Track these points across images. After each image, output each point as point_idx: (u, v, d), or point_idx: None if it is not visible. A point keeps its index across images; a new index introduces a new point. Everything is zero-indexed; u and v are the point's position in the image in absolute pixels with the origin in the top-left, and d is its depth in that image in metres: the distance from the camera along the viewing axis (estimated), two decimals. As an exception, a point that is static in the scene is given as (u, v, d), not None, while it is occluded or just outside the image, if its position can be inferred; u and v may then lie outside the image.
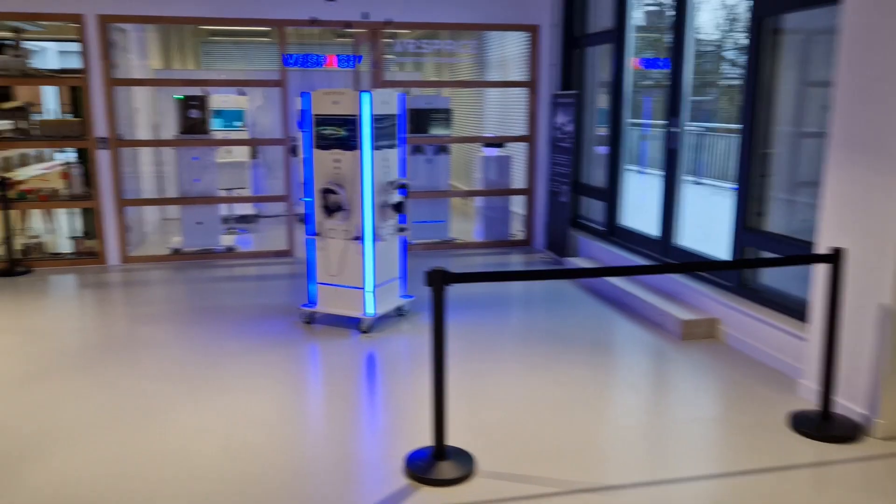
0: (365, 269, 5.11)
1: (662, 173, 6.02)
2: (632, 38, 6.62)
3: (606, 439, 3.65)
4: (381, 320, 5.37)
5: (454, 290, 6.22)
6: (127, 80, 7.51)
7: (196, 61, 14.89)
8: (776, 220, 4.92)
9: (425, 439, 3.56)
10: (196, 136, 7.44)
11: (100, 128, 7.01)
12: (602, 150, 7.60)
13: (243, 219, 9.74)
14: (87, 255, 7.32)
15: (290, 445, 3.57)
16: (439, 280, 3.03)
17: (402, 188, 5.22)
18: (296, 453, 3.50)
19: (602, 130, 7.57)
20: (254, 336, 5.14)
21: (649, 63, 7.40)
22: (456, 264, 7.35)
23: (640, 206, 7.06)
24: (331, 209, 5.05)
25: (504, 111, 10.30)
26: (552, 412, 3.94)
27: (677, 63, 5.76)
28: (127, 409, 3.96)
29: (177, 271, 7.03)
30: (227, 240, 7.87)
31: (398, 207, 5.19)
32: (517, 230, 8.49)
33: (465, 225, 8.89)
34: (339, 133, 5.02)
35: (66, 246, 7.94)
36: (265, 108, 9.92)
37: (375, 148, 5.03)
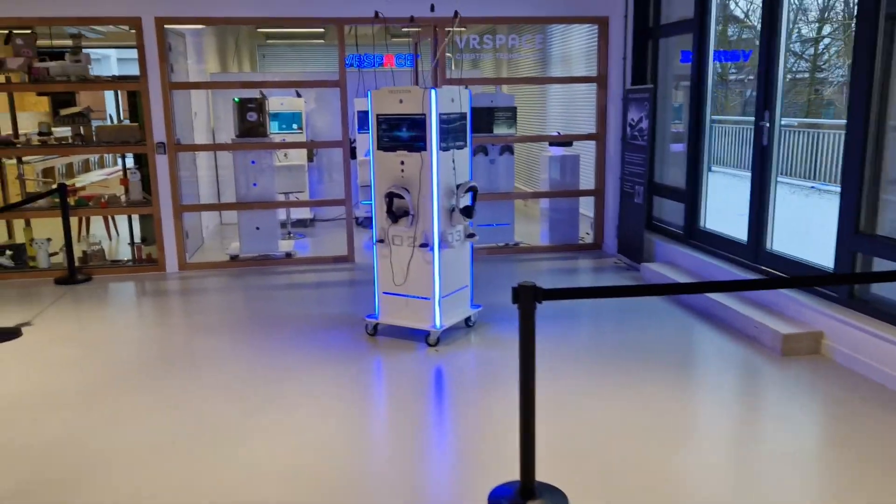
0: (433, 278, 4.79)
1: (742, 172, 5.53)
2: (713, 28, 6.15)
3: (706, 475, 3.23)
4: (449, 332, 5.04)
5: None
6: (184, 84, 7.37)
7: (252, 65, 14.85)
8: (891, 224, 4.40)
9: (508, 472, 3.21)
10: (254, 139, 7.25)
11: (158, 133, 6.87)
12: (677, 147, 7.13)
13: (301, 223, 9.56)
14: (145, 262, 7.20)
15: (357, 476, 3.26)
16: (529, 297, 2.67)
17: (472, 191, 4.88)
18: (363, 485, 3.18)
19: (677, 127, 7.09)
20: (316, 349, 4.86)
21: (727, 56, 6.90)
22: (523, 270, 6.97)
23: (723, 208, 6.56)
24: (396, 214, 4.74)
25: (568, 108, 9.87)
26: (646, 442, 3.54)
27: (770, 52, 5.27)
28: (188, 430, 3.71)
29: (235, 278, 6.84)
30: (285, 245, 7.66)
31: (467, 212, 4.85)
32: (585, 233, 8.06)
33: (530, 228, 8.50)
34: (404, 133, 4.71)
35: (125, 252, 7.86)
36: (320, 110, 9.71)
37: (443, 149, 4.71)
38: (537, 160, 10.52)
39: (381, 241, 4.90)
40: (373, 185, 4.90)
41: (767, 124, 5.31)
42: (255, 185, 7.33)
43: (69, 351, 4.93)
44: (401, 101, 4.69)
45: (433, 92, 4.58)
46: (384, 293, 5.00)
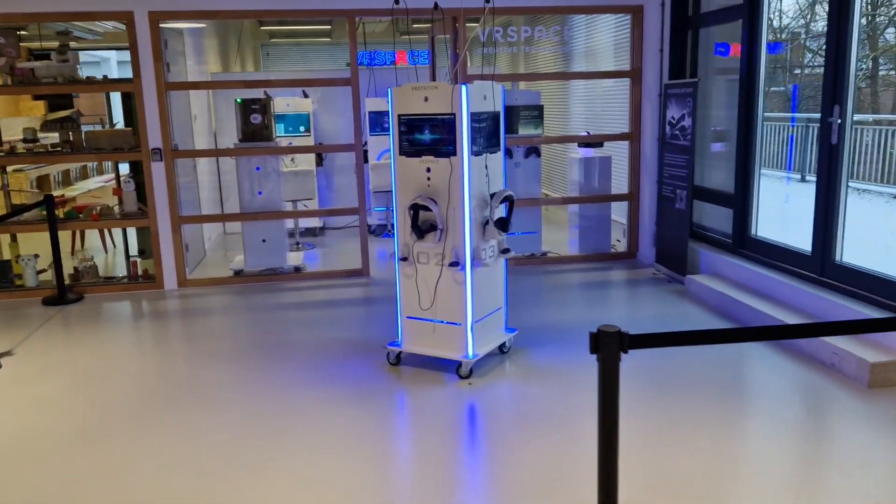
0: (465, 301, 4.19)
1: (781, 173, 4.91)
2: (766, 13, 5.54)
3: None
4: (482, 360, 4.44)
5: (549, 315, 5.25)
6: (181, 84, 6.79)
7: (256, 65, 14.28)
8: None
9: (576, 554, 2.61)
10: (258, 143, 6.67)
11: (153, 138, 6.29)
12: (716, 147, 6.52)
13: (310, 232, 8.97)
14: (142, 278, 6.62)
15: (392, 557, 2.67)
16: (613, 346, 2.07)
17: (507, 201, 4.28)
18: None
19: (719, 125, 6.48)
20: (332, 382, 4.27)
21: (770, 47, 6.29)
22: (553, 284, 6.37)
23: (770, 213, 5.95)
24: (422, 229, 4.14)
25: (593, 106, 9.26)
26: (725, 493, 2.94)
27: (839, 39, 4.66)
28: (190, 482, 3.12)
29: (239, 296, 6.25)
30: (293, 258, 7.07)
31: (502, 225, 4.25)
32: (616, 240, 7.45)
33: (558, 236, 7.90)
34: (430, 136, 4.11)
35: (121, 267, 7.29)
36: (328, 111, 9.12)
37: (475, 153, 4.11)
38: (563, 162, 9.93)
39: (405, 258, 4.31)
40: (394, 196, 4.30)
41: (838, 121, 4.70)
42: (260, 193, 6.75)
43: (53, 387, 4.35)
44: (426, 100, 4.09)
45: (464, 88, 3.99)
46: (408, 318, 4.40)
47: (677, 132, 6.26)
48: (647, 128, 6.83)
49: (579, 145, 7.35)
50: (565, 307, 5.69)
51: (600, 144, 7.29)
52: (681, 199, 6.24)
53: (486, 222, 4.22)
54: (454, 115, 4.02)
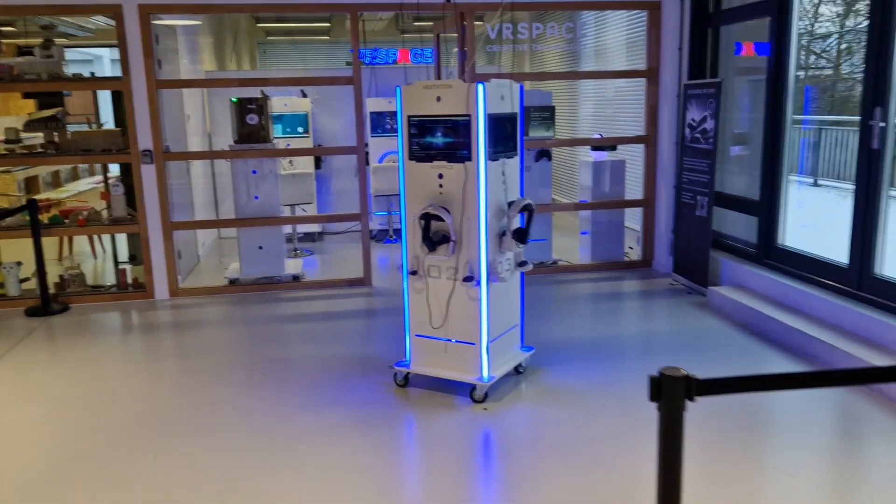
0: (480, 319, 3.84)
1: (805, 178, 4.57)
2: (797, 8, 5.21)
3: None
4: (498, 382, 4.09)
5: (565, 329, 4.91)
6: (173, 83, 6.43)
7: (252, 63, 13.92)
8: None
9: None
10: (255, 145, 6.31)
11: (143, 139, 5.93)
12: (735, 150, 6.20)
13: (308, 237, 8.62)
14: (131, 287, 6.26)
15: None
16: (678, 393, 1.73)
17: (526, 211, 3.93)
18: None
19: (738, 128, 6.16)
20: (334, 406, 3.92)
21: (759, 48, 5.99)
22: (565, 294, 6.04)
23: (795, 220, 5.62)
24: (433, 241, 3.80)
25: (604, 107, 8.93)
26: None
27: (882, 36, 4.34)
28: (167, 541, 2.78)
29: (234, 306, 5.90)
30: (292, 266, 6.72)
31: (520, 236, 3.90)
32: (629, 247, 7.12)
33: (568, 243, 7.56)
34: (443, 139, 3.77)
35: (110, 275, 6.93)
36: (326, 111, 8.77)
37: (492, 158, 3.77)
38: (572, 166, 9.60)
39: (414, 272, 3.96)
40: (402, 204, 3.95)
41: (880, 124, 4.37)
42: (256, 197, 6.39)
43: (32, 411, 4.00)
44: (438, 100, 3.75)
45: (480, 88, 3.65)
46: (418, 336, 4.06)
47: (698, 135, 5.92)
48: (664, 130, 6.49)
49: (592, 148, 7.01)
50: (581, 320, 5.35)
51: (613, 148, 6.96)
52: (702, 206, 5.90)
53: (503, 233, 3.88)
54: (469, 116, 3.67)
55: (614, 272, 6.73)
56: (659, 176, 6.62)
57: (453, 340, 3.94)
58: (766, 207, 5.50)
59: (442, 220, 3.76)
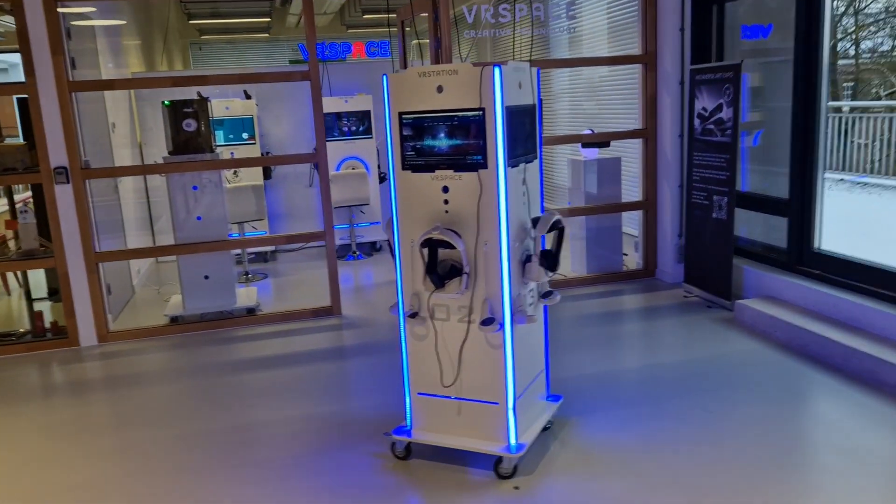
0: (505, 372, 2.98)
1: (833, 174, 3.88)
2: (827, -23, 4.51)
3: None
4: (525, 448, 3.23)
5: (584, 362, 4.07)
6: (91, 84, 5.35)
7: (185, 65, 12.76)
8: None
9: None
10: (194, 155, 5.31)
11: (56, 154, 4.88)
12: (752, 142, 5.51)
13: (259, 257, 7.62)
14: (50, 333, 5.19)
15: None
16: None
17: (556, 229, 3.09)
18: None
19: (755, 116, 5.46)
20: (315, 495, 3.00)
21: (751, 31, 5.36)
22: (568, 313, 5.22)
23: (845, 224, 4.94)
24: (441, 275, 2.91)
25: (586, 99, 8.17)
26: None
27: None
28: None
29: (179, 351, 4.90)
30: (244, 296, 5.73)
31: (550, 261, 3.05)
32: (624, 254, 6.34)
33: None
34: (448, 143, 2.89)
35: (26, 316, 5.81)
36: (273, 114, 7.79)
37: (511, 164, 2.91)
38: (555, 166, 8.82)
39: (415, 314, 3.07)
40: (395, 229, 3.06)
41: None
42: (199, 218, 5.39)
43: None
44: (440, 90, 2.87)
45: (497, 71, 2.78)
46: (421, 395, 3.17)
47: (711, 126, 5.18)
48: (665, 122, 5.74)
49: (582, 146, 6.22)
50: (597, 350, 4.54)
51: (606, 144, 6.18)
52: (719, 207, 5.16)
53: (527, 259, 3.02)
54: (483, 110, 2.80)
55: (614, 284, 5.96)
56: (661, 174, 5.87)
57: (469, 400, 3.07)
58: (798, 207, 4.79)
59: (451, 246, 2.88)
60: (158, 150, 7.38)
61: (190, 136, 5.33)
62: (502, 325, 2.93)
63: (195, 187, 5.35)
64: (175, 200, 5.35)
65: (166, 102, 5.29)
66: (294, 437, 3.53)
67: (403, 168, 2.99)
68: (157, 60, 10.20)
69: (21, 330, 5.33)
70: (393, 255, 3.13)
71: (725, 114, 5.02)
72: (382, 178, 7.84)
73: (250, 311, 5.52)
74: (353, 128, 7.62)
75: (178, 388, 4.27)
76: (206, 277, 5.45)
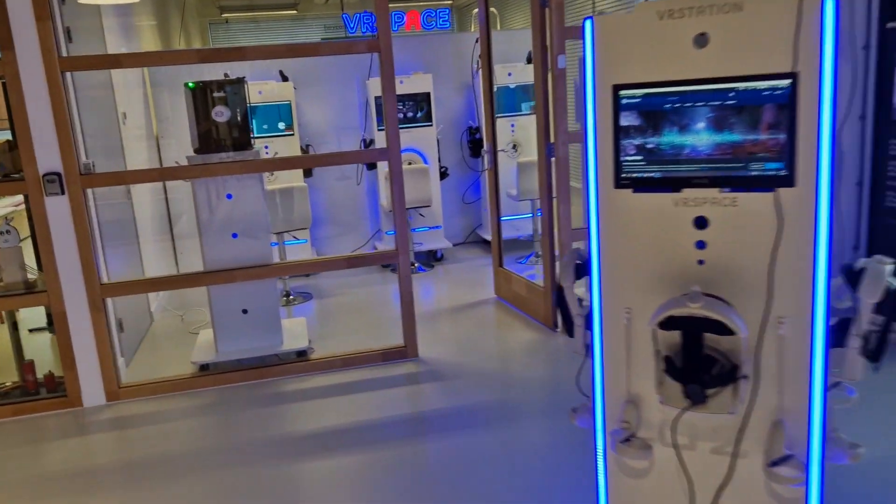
0: (810, 551, 1.68)
1: None
2: None
3: None
4: None
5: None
6: (88, 60, 4.01)
7: (205, 46, 11.50)
8: None
9: None
10: (228, 154, 4.03)
11: (45, 155, 3.63)
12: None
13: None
14: (44, 388, 3.97)
15: None
16: None
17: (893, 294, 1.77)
18: None
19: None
20: None
21: None
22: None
23: None
24: (704, 381, 1.62)
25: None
26: None
27: None
28: None
29: (211, 418, 3.66)
30: (292, 332, 4.45)
31: (876, 349, 1.74)
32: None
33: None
34: (713, 138, 1.59)
35: (9, 367, 4.56)
36: (312, 98, 6.52)
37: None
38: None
39: (629, 438, 1.78)
40: (593, 284, 1.77)
41: None
42: (234, 235, 4.12)
43: None
44: (701, 42, 1.56)
45: (831, 4, 1.47)
46: (632, 565, 1.88)
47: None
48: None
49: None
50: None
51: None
52: (935, 217, 3.82)
53: (836, 340, 1.72)
54: (795, 78, 1.50)
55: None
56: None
57: (726, 582, 1.78)
58: None
59: (724, 329, 1.58)
60: (178, 143, 6.14)
61: (220, 129, 4.05)
62: (808, 470, 1.63)
63: (229, 195, 4.08)
64: (202, 213, 4.08)
65: (190, 84, 4.01)
66: None
67: (618, 184, 1.69)
68: (174, 42, 8.95)
69: (7, 384, 4.10)
70: (578, 327, 1.85)
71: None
72: (443, 175, 6.57)
73: (300, 355, 4.26)
74: (410, 114, 6.34)
75: (212, 484, 3.02)
76: (245, 312, 4.19)
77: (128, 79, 5.53)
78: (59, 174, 3.66)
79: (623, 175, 1.69)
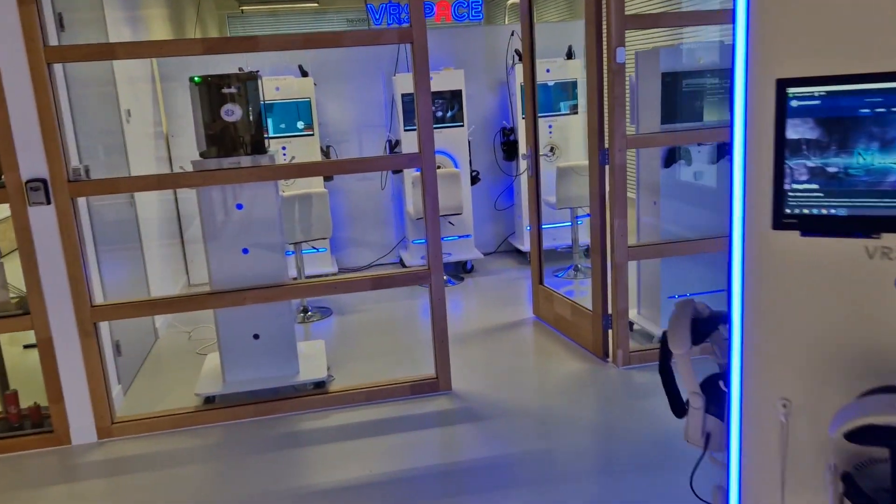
0: None
1: None
2: None
3: None
4: None
5: None
6: (78, 49, 3.54)
7: (223, 42, 11.05)
8: None
9: None
10: (237, 158, 3.54)
11: (28, 159, 3.17)
12: None
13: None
14: (28, 423, 3.52)
15: None
16: None
17: None
18: None
19: None
20: None
21: None
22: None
23: None
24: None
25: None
26: None
27: None
28: None
29: (216, 463, 3.18)
30: (309, 361, 3.96)
31: None
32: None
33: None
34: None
35: None
36: (332, 95, 6.03)
37: None
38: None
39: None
40: (732, 366, 1.24)
41: None
42: (245, 251, 3.64)
43: None
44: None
45: None
46: None
47: None
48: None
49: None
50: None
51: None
52: None
53: None
54: None
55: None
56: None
57: None
58: None
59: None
60: (190, 141, 5.70)
61: (230, 129, 3.56)
62: None
63: (239, 206, 3.59)
64: (208, 225, 3.59)
65: (196, 79, 3.52)
66: None
67: (779, 223, 1.17)
68: (189, 36, 8.51)
69: (-10, 416, 3.65)
70: (696, 410, 1.34)
71: None
72: (475, 179, 6.06)
73: (318, 385, 3.77)
74: (439, 113, 5.84)
75: (215, 559, 2.53)
76: (256, 337, 3.71)
77: (133, 73, 5.07)
78: (44, 181, 3.19)
79: (788, 211, 1.17)
